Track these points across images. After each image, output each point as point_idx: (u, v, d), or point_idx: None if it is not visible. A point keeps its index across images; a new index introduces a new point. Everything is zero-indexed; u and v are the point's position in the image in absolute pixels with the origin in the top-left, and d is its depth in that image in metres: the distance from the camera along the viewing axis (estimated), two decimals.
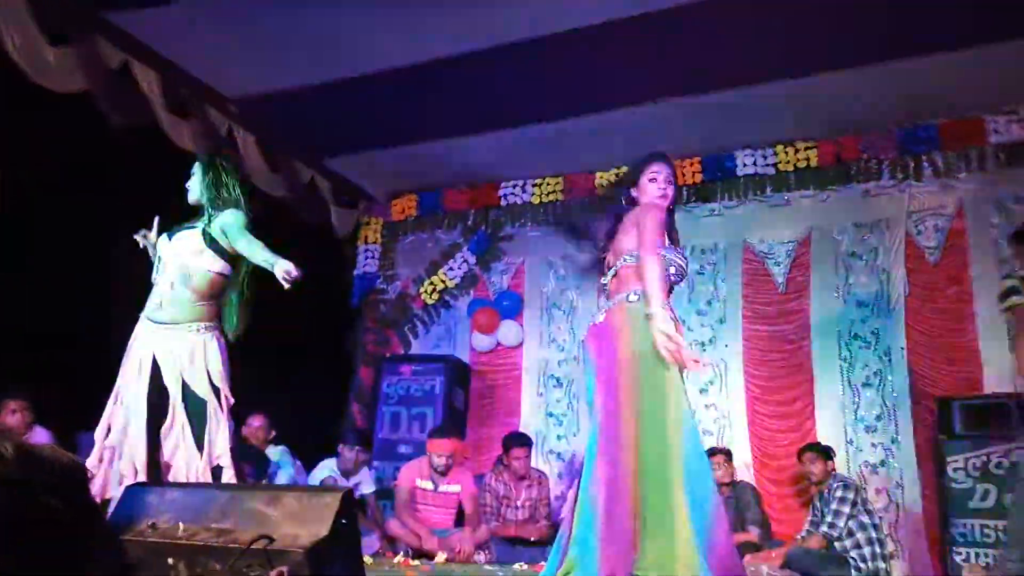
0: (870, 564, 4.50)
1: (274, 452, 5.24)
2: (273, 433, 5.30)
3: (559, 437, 6.20)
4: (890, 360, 5.43)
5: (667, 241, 2.98)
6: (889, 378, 5.42)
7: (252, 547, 1.80)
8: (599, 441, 2.69)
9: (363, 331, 6.92)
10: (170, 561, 1.91)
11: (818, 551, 4.58)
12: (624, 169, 6.17)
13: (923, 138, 5.53)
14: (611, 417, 2.69)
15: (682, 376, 2.73)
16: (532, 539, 5.21)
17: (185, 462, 2.98)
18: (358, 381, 6.74)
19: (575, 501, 2.75)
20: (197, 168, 3.31)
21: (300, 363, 5.89)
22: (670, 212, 3.03)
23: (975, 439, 4.70)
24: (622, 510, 2.57)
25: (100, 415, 3.13)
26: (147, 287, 3.24)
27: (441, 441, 5.17)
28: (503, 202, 6.67)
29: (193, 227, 3.22)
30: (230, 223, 3.14)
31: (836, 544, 4.60)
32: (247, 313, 3.30)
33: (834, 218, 5.80)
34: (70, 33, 4.46)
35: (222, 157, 3.40)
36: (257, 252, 3.04)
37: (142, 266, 3.31)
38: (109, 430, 3.08)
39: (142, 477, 2.98)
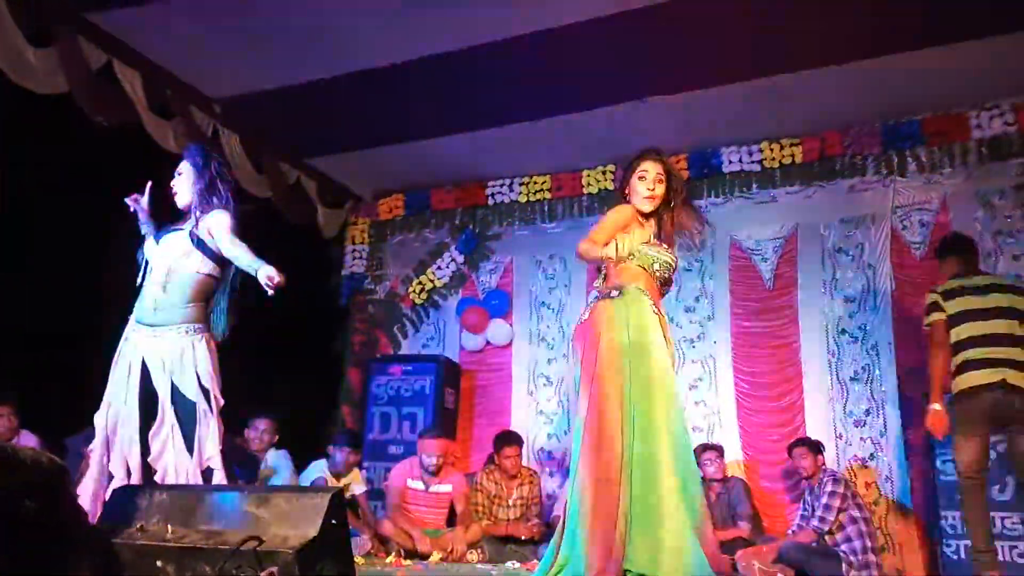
0: (860, 557, 4.53)
1: (272, 455, 5.20)
2: (277, 437, 5.27)
3: (550, 435, 6.19)
4: (878, 354, 5.47)
5: (654, 239, 3.00)
6: (877, 372, 5.45)
7: (242, 548, 1.80)
8: (584, 437, 2.69)
9: (352, 332, 6.89)
10: (159, 563, 1.90)
11: (809, 545, 4.60)
12: (611, 167, 6.24)
13: (907, 134, 5.56)
14: (595, 412, 2.69)
15: (673, 366, 2.74)
16: (524, 538, 5.21)
17: (175, 464, 2.96)
18: (347, 382, 6.71)
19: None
20: (184, 168, 3.28)
21: (289, 365, 5.87)
22: (685, 205, 3.03)
23: None
24: (609, 505, 2.57)
25: (89, 420, 3.11)
26: (136, 290, 3.21)
27: (432, 441, 5.17)
28: (490, 201, 6.65)
29: (180, 229, 3.19)
30: (216, 225, 3.12)
31: (827, 538, 4.64)
32: (235, 315, 3.28)
33: (820, 214, 5.83)
34: (51, 34, 4.41)
35: (212, 156, 3.37)
36: (242, 256, 3.02)
37: (134, 270, 3.28)
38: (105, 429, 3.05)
39: (136, 479, 2.96)
